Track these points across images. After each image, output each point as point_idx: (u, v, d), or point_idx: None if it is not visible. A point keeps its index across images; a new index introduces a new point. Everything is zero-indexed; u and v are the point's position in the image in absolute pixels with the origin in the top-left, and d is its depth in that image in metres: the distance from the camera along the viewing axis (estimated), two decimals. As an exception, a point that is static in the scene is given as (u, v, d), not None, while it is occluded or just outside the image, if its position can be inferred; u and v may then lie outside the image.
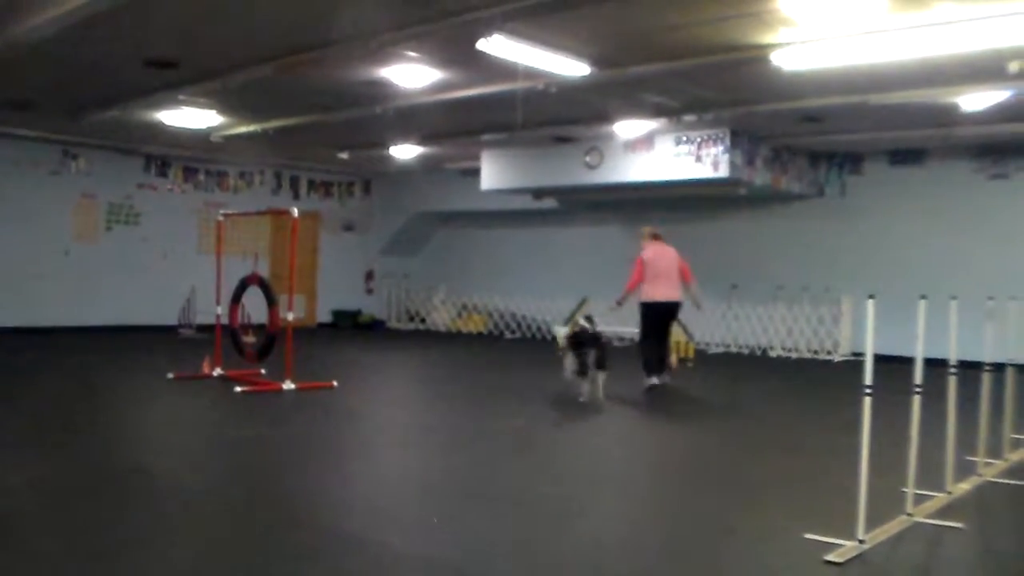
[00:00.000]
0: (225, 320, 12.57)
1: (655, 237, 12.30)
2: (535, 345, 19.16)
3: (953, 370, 6.45)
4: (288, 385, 11.07)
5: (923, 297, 5.64)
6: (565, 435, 9.28)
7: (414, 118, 14.80)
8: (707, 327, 17.65)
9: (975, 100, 12.19)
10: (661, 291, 11.95)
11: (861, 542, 5.07)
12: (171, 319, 19.43)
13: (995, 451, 7.50)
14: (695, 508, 6.26)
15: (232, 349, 12.35)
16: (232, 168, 21.22)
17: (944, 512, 5.95)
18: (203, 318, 17.27)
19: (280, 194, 22.16)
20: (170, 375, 11.89)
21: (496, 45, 9.80)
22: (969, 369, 6.64)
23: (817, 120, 14.37)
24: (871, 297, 5.22)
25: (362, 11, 9.30)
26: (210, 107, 14.52)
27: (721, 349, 18.26)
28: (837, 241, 17.53)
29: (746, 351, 17.95)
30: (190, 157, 19.99)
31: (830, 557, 4.90)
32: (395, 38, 10.05)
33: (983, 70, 10.73)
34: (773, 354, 17.66)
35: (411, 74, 11.95)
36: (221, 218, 13.21)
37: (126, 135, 17.37)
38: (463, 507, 6.09)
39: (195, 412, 10.07)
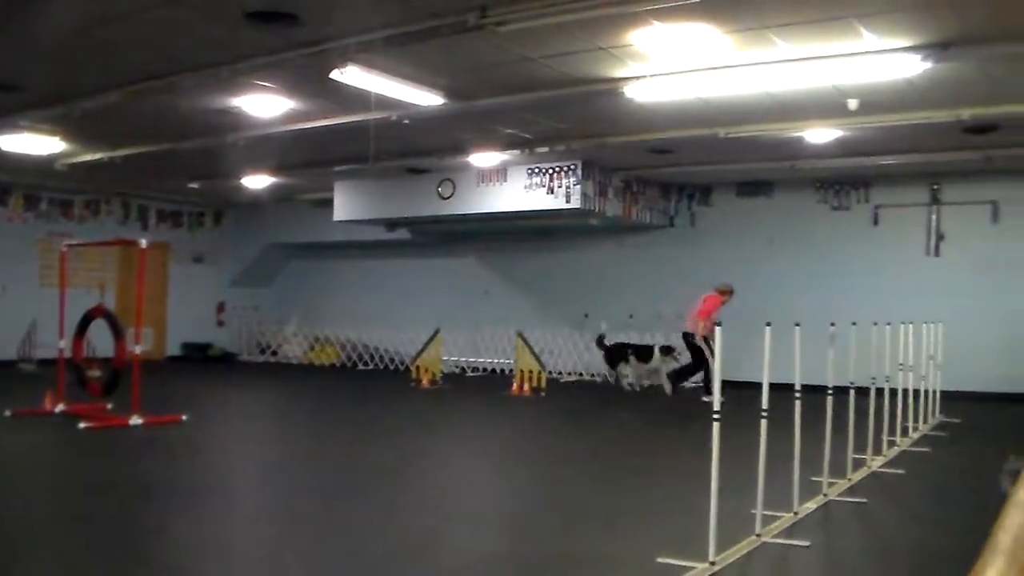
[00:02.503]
0: (69, 354, 12.16)
1: (715, 289, 14.99)
2: (388, 376, 19.05)
3: (798, 394, 6.66)
4: (135, 420, 10.74)
5: (768, 324, 5.80)
6: (420, 467, 9.23)
7: (266, 148, 14.58)
8: (560, 356, 17.83)
9: (818, 135, 12.68)
10: (686, 324, 15.08)
11: (712, 564, 5.17)
12: (10, 353, 18.61)
13: (839, 471, 7.78)
14: (549, 538, 6.28)
15: (76, 384, 11.94)
16: (78, 197, 20.53)
17: (791, 531, 6.13)
18: (45, 352, 16.64)
19: (128, 224, 21.51)
20: (8, 412, 11.42)
21: (350, 75, 9.78)
22: (813, 393, 6.86)
23: (668, 152, 14.71)
24: (718, 324, 5.35)
25: (214, 39, 9.16)
26: (54, 133, 14.02)
27: (573, 378, 18.40)
28: (687, 270, 17.86)
29: (599, 379, 18.08)
30: (32, 184, 19.25)
31: (683, 579, 5.00)
32: (248, 67, 9.93)
33: (825, 106, 11.18)
34: (625, 382, 17.88)
35: (264, 104, 11.81)
36: (65, 248, 12.79)
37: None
38: (316, 543, 5.98)
39: (35, 450, 9.69)
